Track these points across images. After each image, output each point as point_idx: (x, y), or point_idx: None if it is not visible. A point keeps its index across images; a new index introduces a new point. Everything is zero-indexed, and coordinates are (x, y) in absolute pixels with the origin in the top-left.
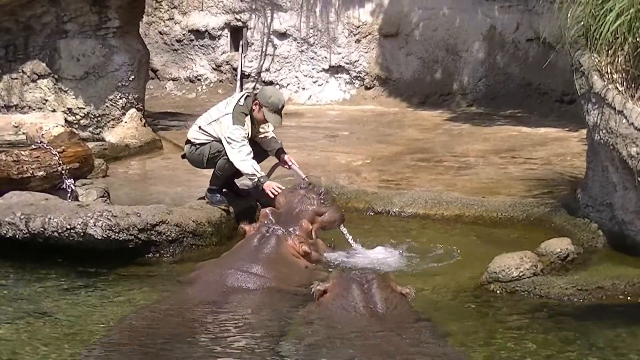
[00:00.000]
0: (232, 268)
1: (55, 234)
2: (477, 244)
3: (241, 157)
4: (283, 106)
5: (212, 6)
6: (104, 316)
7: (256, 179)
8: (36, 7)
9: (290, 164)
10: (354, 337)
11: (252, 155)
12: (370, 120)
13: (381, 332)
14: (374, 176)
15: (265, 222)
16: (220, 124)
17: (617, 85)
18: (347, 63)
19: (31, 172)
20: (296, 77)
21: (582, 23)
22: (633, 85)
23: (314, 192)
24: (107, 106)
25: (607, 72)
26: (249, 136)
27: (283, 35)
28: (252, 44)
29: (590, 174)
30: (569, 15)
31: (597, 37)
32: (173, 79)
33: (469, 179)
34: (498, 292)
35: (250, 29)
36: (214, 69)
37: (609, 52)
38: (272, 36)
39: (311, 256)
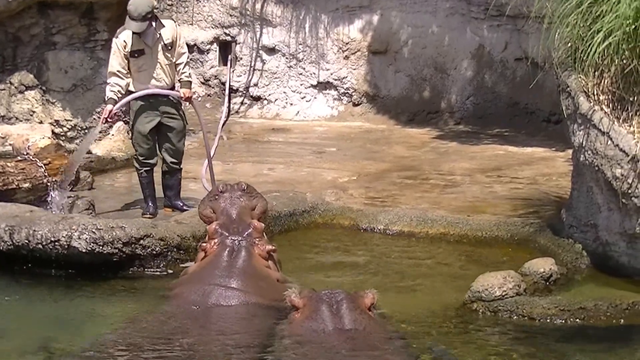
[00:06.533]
0: (212, 284)
1: (40, 246)
2: (460, 263)
3: (108, 72)
4: (140, 14)
5: (201, 20)
6: (85, 329)
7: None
8: (25, 18)
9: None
10: (322, 358)
11: (119, 80)
12: (358, 137)
13: (348, 353)
14: (360, 193)
15: (221, 237)
16: None
17: (604, 106)
18: (335, 79)
19: (16, 183)
20: (284, 92)
21: (569, 44)
22: (619, 107)
23: (237, 190)
24: (94, 119)
25: (593, 94)
26: (128, 47)
27: (272, 51)
28: (241, 58)
29: (575, 194)
30: (556, 36)
31: (584, 58)
32: None
33: (455, 198)
34: (481, 311)
35: (239, 43)
36: (202, 83)
37: (596, 73)
38: (260, 51)
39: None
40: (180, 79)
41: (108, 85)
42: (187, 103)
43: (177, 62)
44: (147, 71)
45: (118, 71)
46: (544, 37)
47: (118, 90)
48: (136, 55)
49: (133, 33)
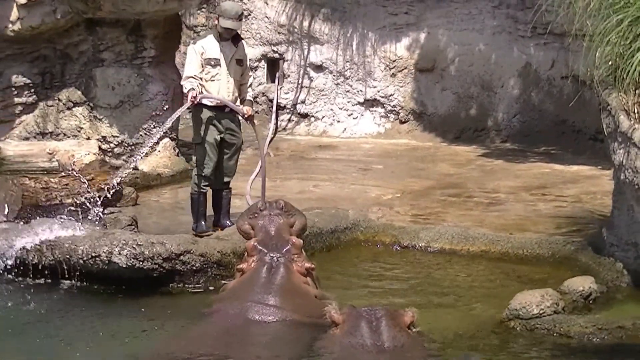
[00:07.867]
0: (251, 300)
1: (81, 261)
2: (501, 281)
3: (184, 76)
4: (237, 13)
5: (249, 37)
6: (123, 345)
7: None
8: (73, 35)
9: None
10: None
11: (193, 80)
12: (404, 155)
13: None
14: (403, 210)
15: (260, 253)
16: None
17: None
18: (382, 97)
19: (59, 199)
20: (331, 109)
21: (610, 62)
22: None
23: (276, 208)
24: (141, 135)
25: (634, 112)
26: (206, 54)
27: (319, 68)
28: (288, 75)
29: (616, 213)
30: (597, 54)
31: (625, 76)
32: None
33: (498, 215)
34: (518, 329)
35: (286, 60)
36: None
37: (637, 91)
38: (308, 68)
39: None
40: (244, 97)
41: (186, 82)
42: (247, 122)
43: (242, 82)
44: (219, 82)
45: (194, 75)
46: (585, 56)
47: (198, 84)
48: (212, 63)
49: (221, 38)
